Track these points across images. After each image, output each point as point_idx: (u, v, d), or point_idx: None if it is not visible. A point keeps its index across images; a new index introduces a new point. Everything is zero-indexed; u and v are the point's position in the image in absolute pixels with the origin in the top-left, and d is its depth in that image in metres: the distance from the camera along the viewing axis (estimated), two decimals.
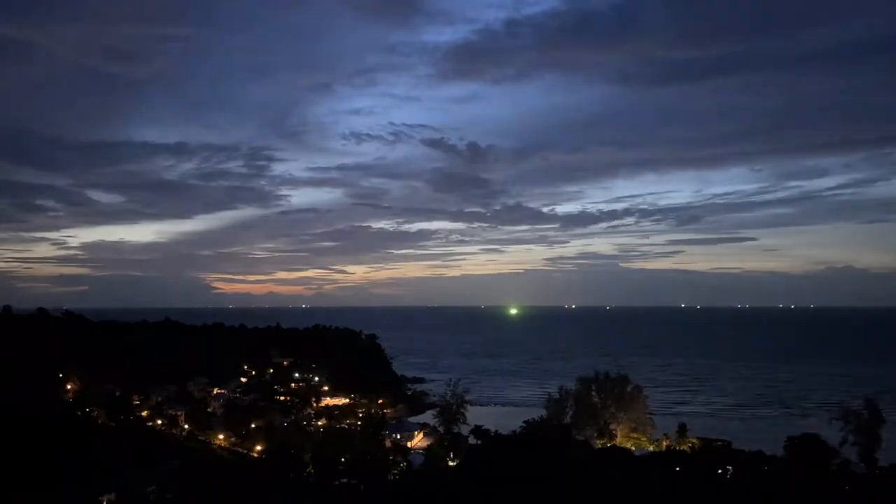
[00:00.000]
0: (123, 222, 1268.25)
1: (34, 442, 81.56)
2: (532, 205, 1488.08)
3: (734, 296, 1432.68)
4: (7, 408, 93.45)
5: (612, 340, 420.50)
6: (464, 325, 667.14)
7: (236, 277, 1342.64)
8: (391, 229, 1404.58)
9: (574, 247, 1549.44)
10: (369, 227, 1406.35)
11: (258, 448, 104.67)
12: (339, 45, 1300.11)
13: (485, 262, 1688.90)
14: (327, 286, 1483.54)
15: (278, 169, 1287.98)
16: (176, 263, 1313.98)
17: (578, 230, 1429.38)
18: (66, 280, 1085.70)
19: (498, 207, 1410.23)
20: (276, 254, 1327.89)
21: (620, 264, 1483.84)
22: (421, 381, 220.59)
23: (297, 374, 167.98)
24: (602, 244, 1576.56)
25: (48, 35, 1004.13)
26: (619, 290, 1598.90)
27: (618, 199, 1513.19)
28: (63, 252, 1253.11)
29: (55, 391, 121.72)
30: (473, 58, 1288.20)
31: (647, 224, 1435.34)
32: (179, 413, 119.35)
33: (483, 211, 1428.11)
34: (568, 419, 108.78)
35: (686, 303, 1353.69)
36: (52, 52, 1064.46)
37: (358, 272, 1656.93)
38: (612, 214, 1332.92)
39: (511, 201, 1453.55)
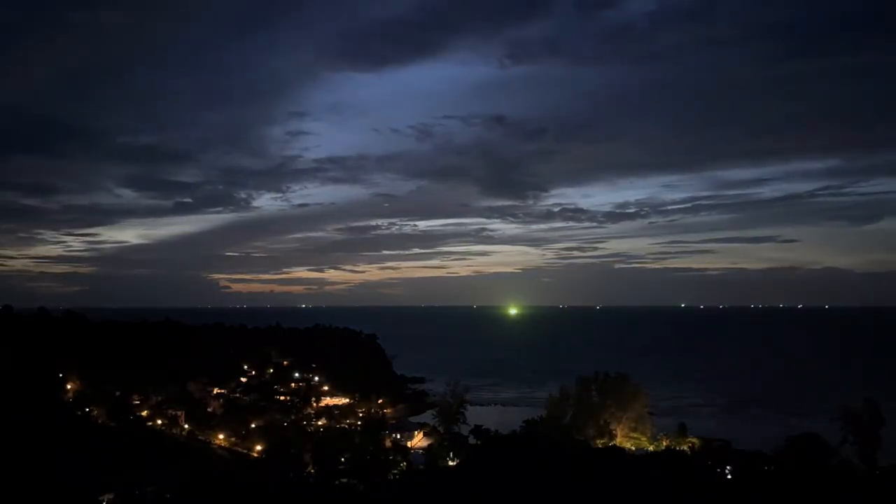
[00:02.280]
0: (132, 219, 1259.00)
1: (34, 442, 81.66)
2: (567, 200, 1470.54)
3: (747, 295, 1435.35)
4: (7, 407, 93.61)
5: (612, 340, 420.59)
6: (463, 325, 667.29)
7: (247, 277, 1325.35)
8: (410, 228, 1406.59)
9: (598, 245, 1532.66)
10: (388, 224, 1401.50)
11: (258, 448, 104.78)
12: (359, 31, 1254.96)
13: (496, 260, 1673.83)
14: (338, 285, 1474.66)
15: (294, 165, 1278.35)
16: (185, 262, 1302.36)
17: (605, 227, 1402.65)
18: (70, 279, 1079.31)
19: (528, 203, 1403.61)
20: (288, 252, 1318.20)
21: (618, 265, 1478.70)
22: (421, 381, 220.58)
23: (297, 374, 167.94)
24: (632, 242, 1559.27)
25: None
26: (618, 289, 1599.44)
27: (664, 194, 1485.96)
28: (68, 250, 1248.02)
29: (55, 391, 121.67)
30: (519, 44, 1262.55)
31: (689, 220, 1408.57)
32: (179, 413, 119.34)
33: (510, 207, 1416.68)
34: (568, 419, 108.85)
35: (687, 302, 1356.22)
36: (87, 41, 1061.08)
37: (369, 271, 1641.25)
38: (660, 211, 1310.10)
39: (542, 197, 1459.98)
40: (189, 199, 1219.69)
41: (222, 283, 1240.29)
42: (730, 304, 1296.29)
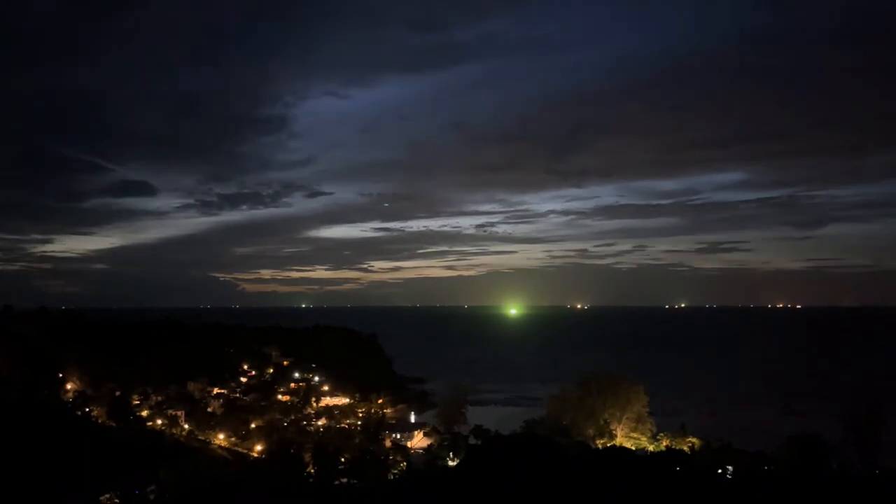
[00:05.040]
0: (143, 220, 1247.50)
1: (34, 442, 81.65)
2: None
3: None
4: (7, 407, 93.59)
5: (608, 340, 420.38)
6: (464, 325, 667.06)
7: (256, 276, 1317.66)
8: (424, 227, 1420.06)
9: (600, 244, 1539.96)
10: (403, 224, 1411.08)
11: (258, 448, 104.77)
12: (381, 33, 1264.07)
13: (497, 261, 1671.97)
14: (343, 285, 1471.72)
15: (311, 167, 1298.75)
16: (195, 261, 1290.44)
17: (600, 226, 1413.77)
18: (72, 278, 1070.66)
19: (541, 201, 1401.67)
20: (299, 253, 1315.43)
21: (616, 265, 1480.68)
22: (421, 381, 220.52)
23: (297, 374, 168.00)
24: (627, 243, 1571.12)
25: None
26: (615, 289, 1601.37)
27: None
28: (71, 249, 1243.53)
29: (55, 391, 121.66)
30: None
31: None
32: (179, 413, 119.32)
33: (526, 205, 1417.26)
34: (568, 419, 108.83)
35: (687, 302, 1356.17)
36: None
37: (381, 270, 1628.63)
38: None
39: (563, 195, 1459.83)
40: (213, 199, 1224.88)
41: (235, 283, 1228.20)
42: (719, 305, 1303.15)
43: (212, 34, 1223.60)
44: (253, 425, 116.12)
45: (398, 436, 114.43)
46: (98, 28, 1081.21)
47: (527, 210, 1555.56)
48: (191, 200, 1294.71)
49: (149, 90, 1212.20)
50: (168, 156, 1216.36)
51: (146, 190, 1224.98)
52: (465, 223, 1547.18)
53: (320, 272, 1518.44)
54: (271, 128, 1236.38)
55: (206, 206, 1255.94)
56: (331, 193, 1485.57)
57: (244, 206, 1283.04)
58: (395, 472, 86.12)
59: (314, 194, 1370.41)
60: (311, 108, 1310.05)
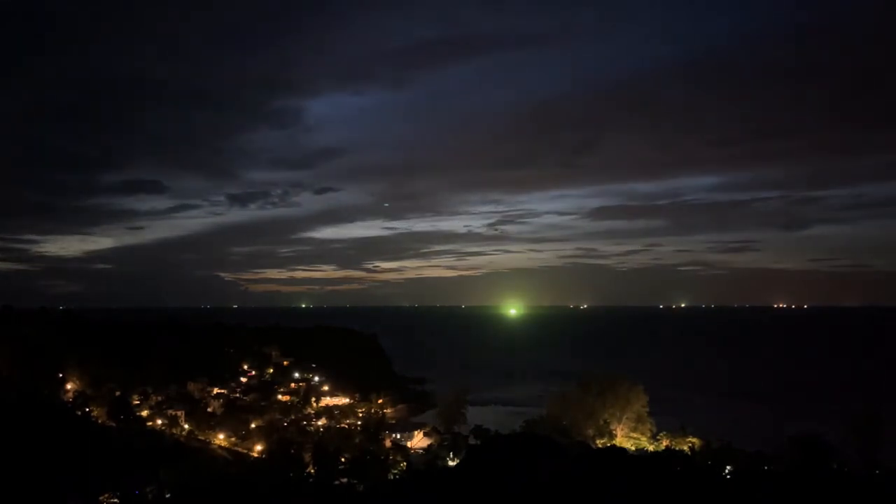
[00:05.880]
0: (146, 219, 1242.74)
1: (34, 442, 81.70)
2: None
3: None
4: (7, 407, 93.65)
5: (610, 340, 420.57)
6: (463, 325, 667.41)
7: (268, 277, 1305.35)
8: (431, 227, 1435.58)
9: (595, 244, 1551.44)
10: (407, 223, 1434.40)
11: (258, 448, 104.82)
12: (388, 35, 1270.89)
13: (493, 261, 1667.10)
14: (348, 285, 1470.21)
15: (317, 165, 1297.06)
16: (200, 261, 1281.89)
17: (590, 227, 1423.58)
18: (77, 278, 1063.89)
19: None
20: (304, 252, 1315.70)
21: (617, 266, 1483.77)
22: (422, 381, 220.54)
23: (297, 374, 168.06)
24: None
25: None
26: (615, 289, 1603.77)
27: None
28: (72, 249, 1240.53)
29: (55, 391, 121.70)
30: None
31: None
32: (179, 413, 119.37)
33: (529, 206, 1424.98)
34: (568, 419, 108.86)
35: (687, 302, 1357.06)
36: None
37: (386, 270, 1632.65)
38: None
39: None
40: (221, 198, 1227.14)
41: (239, 283, 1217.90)
42: (719, 305, 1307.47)
43: (220, 30, 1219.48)
44: (253, 425, 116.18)
45: (398, 436, 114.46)
46: (102, 19, 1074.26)
47: (528, 210, 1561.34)
48: (198, 200, 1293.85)
49: (154, 86, 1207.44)
50: (175, 154, 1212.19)
51: (152, 188, 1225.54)
52: (467, 223, 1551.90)
53: (327, 272, 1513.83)
54: (280, 125, 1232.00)
55: (213, 206, 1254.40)
56: (338, 190, 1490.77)
57: (252, 206, 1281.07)
58: (395, 472, 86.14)
59: (321, 191, 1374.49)
60: (318, 106, 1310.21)
